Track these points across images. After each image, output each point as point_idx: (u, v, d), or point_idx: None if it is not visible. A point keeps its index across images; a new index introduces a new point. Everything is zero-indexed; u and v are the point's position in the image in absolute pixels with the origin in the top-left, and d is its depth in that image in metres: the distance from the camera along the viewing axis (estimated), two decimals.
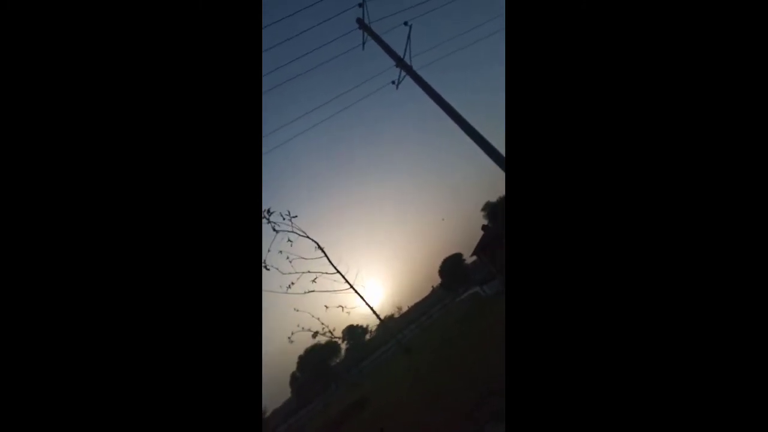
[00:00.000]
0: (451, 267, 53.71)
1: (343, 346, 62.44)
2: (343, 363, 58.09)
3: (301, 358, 58.40)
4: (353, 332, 64.10)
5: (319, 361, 56.51)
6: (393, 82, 7.20)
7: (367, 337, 65.24)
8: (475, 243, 20.42)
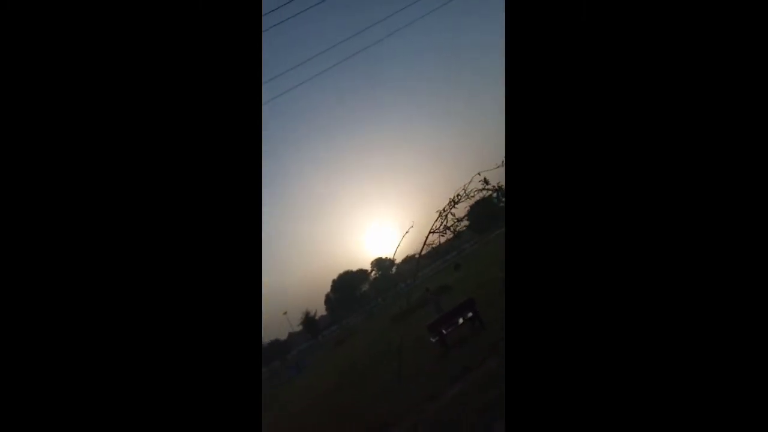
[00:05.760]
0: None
1: (372, 275, 68.68)
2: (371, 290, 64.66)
3: (334, 281, 65.52)
4: (381, 264, 70.05)
5: (349, 285, 63.20)
6: None
7: (393, 269, 70.77)
8: None
